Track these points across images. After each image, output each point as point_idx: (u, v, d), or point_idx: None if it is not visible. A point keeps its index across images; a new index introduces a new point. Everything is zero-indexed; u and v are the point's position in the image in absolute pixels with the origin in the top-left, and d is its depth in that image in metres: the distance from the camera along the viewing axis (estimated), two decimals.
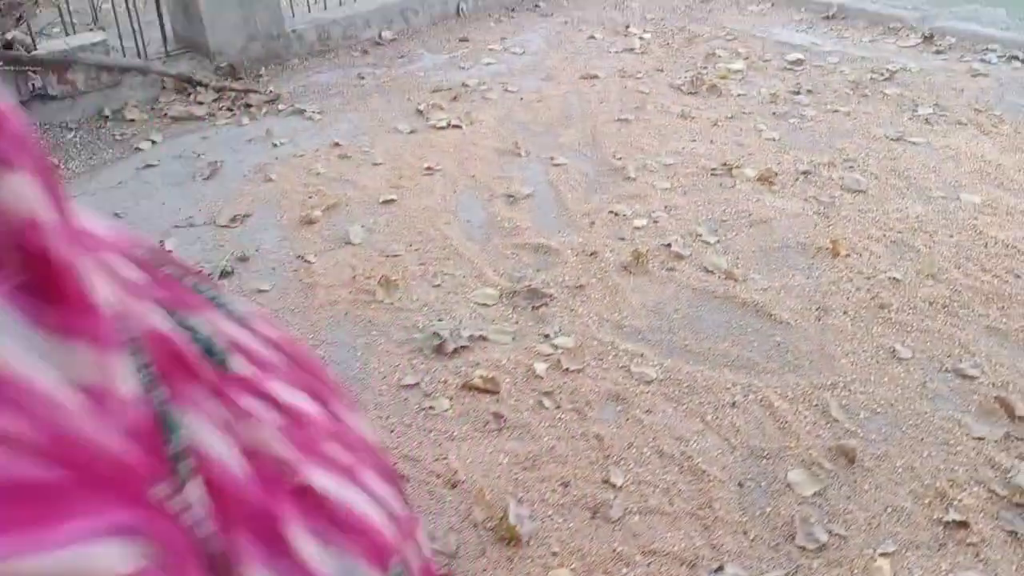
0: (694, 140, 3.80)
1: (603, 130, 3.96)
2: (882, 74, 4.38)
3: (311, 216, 3.28)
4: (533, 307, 2.69)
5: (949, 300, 2.59)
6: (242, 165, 3.76)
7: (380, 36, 5.26)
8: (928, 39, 4.83)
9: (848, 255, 2.84)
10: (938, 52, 4.70)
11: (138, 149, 3.95)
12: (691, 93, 4.31)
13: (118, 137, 4.09)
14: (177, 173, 3.72)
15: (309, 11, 5.18)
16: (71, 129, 4.17)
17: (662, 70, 4.65)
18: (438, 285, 2.83)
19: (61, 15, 4.53)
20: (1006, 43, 4.64)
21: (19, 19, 4.09)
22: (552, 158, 3.70)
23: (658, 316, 2.63)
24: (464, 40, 5.24)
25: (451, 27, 5.47)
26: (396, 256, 3.01)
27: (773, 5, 5.60)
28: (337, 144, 3.91)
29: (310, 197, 3.45)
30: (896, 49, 4.75)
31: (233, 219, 3.32)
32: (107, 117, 4.27)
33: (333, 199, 3.41)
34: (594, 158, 3.70)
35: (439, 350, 2.48)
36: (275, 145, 3.94)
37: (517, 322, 2.63)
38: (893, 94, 4.16)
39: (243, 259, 3.04)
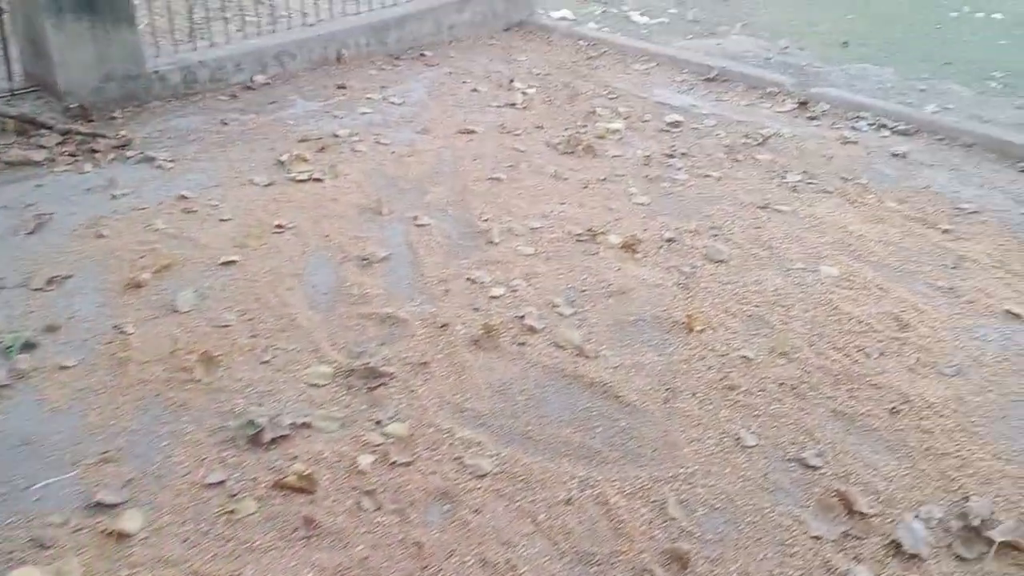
0: (564, 203, 3.71)
1: (473, 189, 3.83)
2: (756, 139, 4.43)
3: (139, 279, 3.02)
4: (369, 388, 2.49)
5: (799, 381, 2.53)
6: (74, 218, 3.46)
7: (252, 80, 5.05)
8: (803, 104, 4.94)
9: (703, 330, 2.77)
10: (812, 118, 4.80)
11: None
12: (567, 153, 4.25)
13: None
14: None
15: (176, 51, 4.92)
16: None
17: (541, 127, 4.59)
18: (267, 362, 2.61)
19: None
20: (876, 111, 4.78)
21: None
22: (415, 218, 3.55)
23: (503, 397, 2.48)
24: (342, 87, 5.08)
25: (330, 73, 5.30)
26: (226, 327, 2.78)
27: (657, 65, 5.66)
28: (184, 197, 3.66)
29: (142, 257, 3.19)
30: (772, 114, 4.84)
31: (50, 281, 3.02)
32: None
33: (167, 259, 3.16)
34: (459, 219, 3.57)
35: (255, 440, 2.26)
36: (115, 196, 3.66)
37: (349, 405, 2.43)
38: (765, 160, 4.19)
39: (52, 329, 2.75)
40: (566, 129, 4.54)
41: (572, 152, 4.25)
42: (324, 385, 2.50)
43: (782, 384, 2.51)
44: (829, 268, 3.17)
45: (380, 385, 2.50)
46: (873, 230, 3.51)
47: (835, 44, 6.57)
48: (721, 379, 2.53)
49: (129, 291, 2.97)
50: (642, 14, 7.61)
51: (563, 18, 7.18)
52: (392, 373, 2.55)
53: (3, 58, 4.47)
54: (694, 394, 2.47)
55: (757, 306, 2.92)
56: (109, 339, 2.71)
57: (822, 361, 2.62)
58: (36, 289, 2.98)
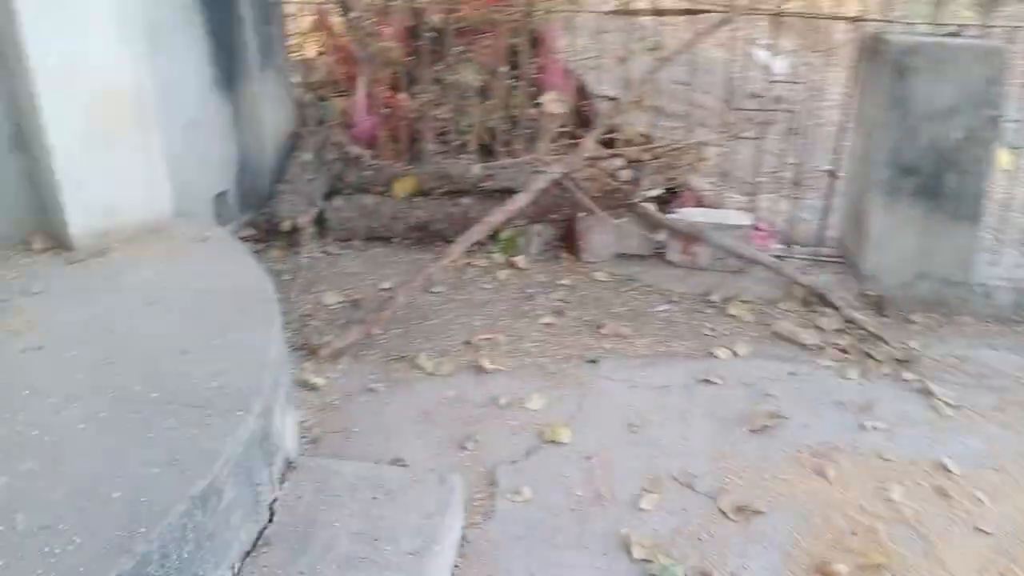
0: None
1: None
2: None
3: (830, 566, 2.38)
4: None
5: None
6: (805, 434, 3.02)
7: None
8: None
9: None
10: None
11: (712, 355, 3.52)
12: None
13: (707, 330, 3.73)
14: (726, 406, 3.17)
15: (1017, 265, 4.09)
16: (673, 301, 3.98)
17: None
18: None
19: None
20: None
21: (671, 179, 4.09)
22: None
23: None
24: None
25: None
26: None
27: None
28: (944, 467, 2.86)
29: (854, 533, 2.54)
30: None
31: (740, 509, 2.62)
32: (712, 303, 3.97)
33: (880, 556, 2.44)
34: None
35: None
36: (863, 427, 3.09)
37: None
38: None
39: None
40: None
41: None
42: None
43: None
44: None
45: None
46: None
47: None
48: None
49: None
50: None
51: None
52: None
53: (820, 222, 4.34)
54: None
55: None
56: None
57: None
58: (722, 512, 2.61)
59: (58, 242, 2.87)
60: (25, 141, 2.83)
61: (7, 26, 2.61)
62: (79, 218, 2.85)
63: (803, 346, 3.63)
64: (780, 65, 5.18)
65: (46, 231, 2.90)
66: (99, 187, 2.87)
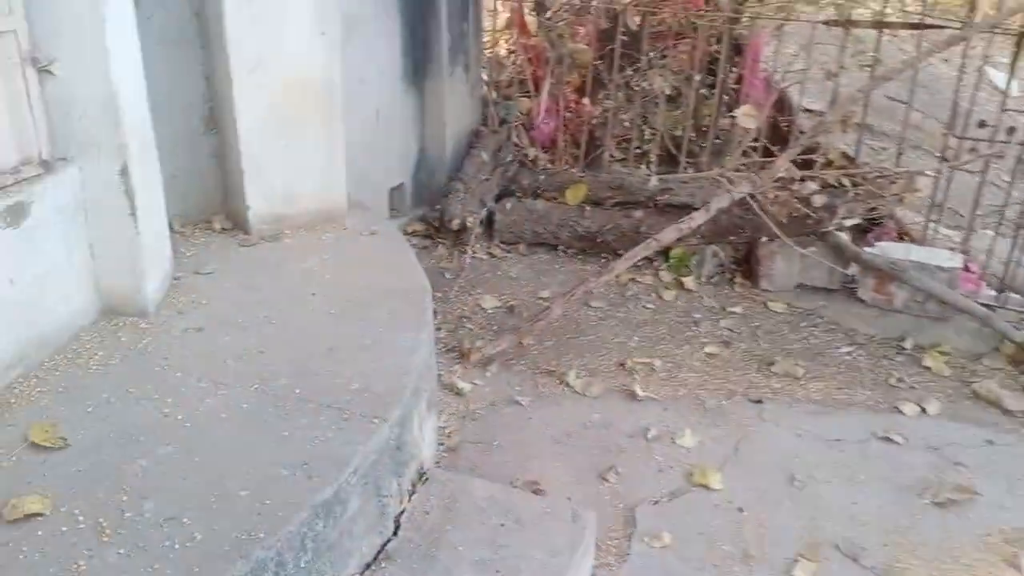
0: None
1: None
2: None
3: None
4: None
5: None
6: (999, 515, 2.69)
7: None
8: None
9: None
10: None
11: (897, 410, 3.20)
12: None
13: (894, 381, 3.39)
14: (907, 471, 2.87)
15: None
16: (858, 344, 3.66)
17: None
18: None
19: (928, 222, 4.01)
20: None
21: (872, 209, 3.74)
22: None
23: None
24: None
25: None
26: None
27: None
28: None
29: None
30: None
31: None
32: (903, 350, 3.61)
33: None
34: None
35: None
36: None
37: None
38: None
39: None
40: None
41: None
42: None
43: None
44: None
45: None
46: None
47: None
48: None
49: None
50: None
51: None
52: None
53: None
54: None
55: None
56: None
57: None
58: None
59: (236, 224, 3.01)
60: (218, 123, 2.97)
61: (215, 10, 2.72)
62: (258, 202, 2.96)
63: (1006, 412, 3.24)
64: (1017, 88, 4.64)
65: (227, 212, 3.04)
66: (280, 173, 2.96)
